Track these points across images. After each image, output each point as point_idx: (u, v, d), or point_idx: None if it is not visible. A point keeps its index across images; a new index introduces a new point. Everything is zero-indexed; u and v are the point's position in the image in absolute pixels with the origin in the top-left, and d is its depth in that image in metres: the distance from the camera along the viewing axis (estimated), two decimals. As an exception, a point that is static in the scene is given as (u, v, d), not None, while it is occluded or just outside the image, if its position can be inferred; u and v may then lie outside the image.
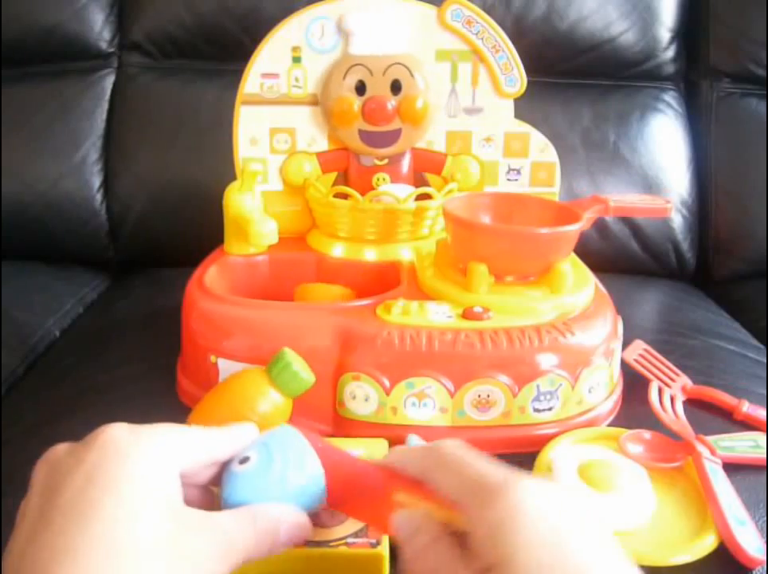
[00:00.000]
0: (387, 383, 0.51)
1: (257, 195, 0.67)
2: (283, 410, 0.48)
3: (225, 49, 0.93)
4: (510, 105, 0.69)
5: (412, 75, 0.66)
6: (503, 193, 0.65)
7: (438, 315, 0.54)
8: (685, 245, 0.94)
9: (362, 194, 0.68)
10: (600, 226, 0.92)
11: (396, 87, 0.67)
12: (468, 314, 0.54)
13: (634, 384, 0.61)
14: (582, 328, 0.54)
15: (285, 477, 0.36)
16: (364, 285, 0.66)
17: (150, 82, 0.94)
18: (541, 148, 0.70)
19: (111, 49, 0.96)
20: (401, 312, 0.54)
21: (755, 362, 0.70)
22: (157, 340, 0.69)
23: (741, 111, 0.96)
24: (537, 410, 0.52)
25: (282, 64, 0.67)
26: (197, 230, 0.91)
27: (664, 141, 0.94)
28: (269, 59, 0.67)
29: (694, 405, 0.59)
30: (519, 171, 0.71)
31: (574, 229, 0.55)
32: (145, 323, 0.75)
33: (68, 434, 0.55)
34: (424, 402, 0.52)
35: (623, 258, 0.93)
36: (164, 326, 0.70)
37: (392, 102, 0.67)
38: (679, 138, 0.95)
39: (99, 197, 0.92)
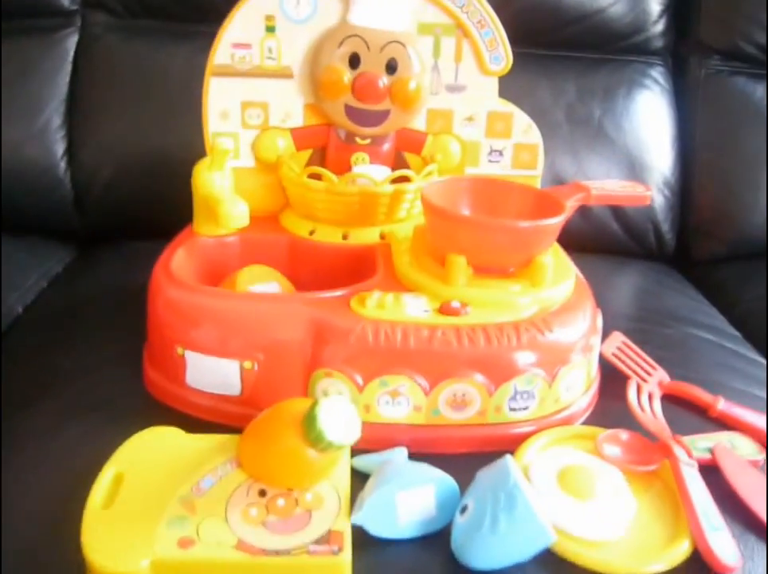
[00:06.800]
0: (360, 380, 0.50)
1: (228, 174, 0.64)
2: (325, 466, 0.44)
3: (195, 10, 0.89)
4: (494, 83, 0.66)
5: (409, 56, 0.63)
6: (484, 177, 0.63)
7: (414, 309, 0.52)
8: (665, 226, 0.93)
9: (339, 172, 0.65)
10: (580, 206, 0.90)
11: (391, 67, 0.63)
12: (445, 309, 0.52)
13: (611, 377, 0.60)
14: (561, 323, 0.53)
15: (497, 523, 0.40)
16: (338, 270, 0.64)
17: (115, 43, 0.89)
18: (524, 129, 0.67)
19: (74, 7, 0.90)
20: (375, 305, 0.52)
21: (731, 352, 0.70)
22: (123, 322, 0.66)
23: (728, 89, 0.94)
24: (513, 410, 0.51)
25: (255, 34, 0.64)
26: (166, 200, 0.88)
27: (650, 119, 0.92)
28: (241, 28, 0.63)
29: (670, 401, 0.59)
30: (501, 153, 0.68)
31: (556, 222, 0.54)
32: (110, 301, 0.72)
33: (30, 427, 0.53)
34: (397, 401, 0.50)
35: (602, 238, 0.92)
36: (130, 306, 0.67)
37: (384, 80, 0.63)
38: (664, 115, 0.93)
39: (63, 165, 0.88)
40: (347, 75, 0.63)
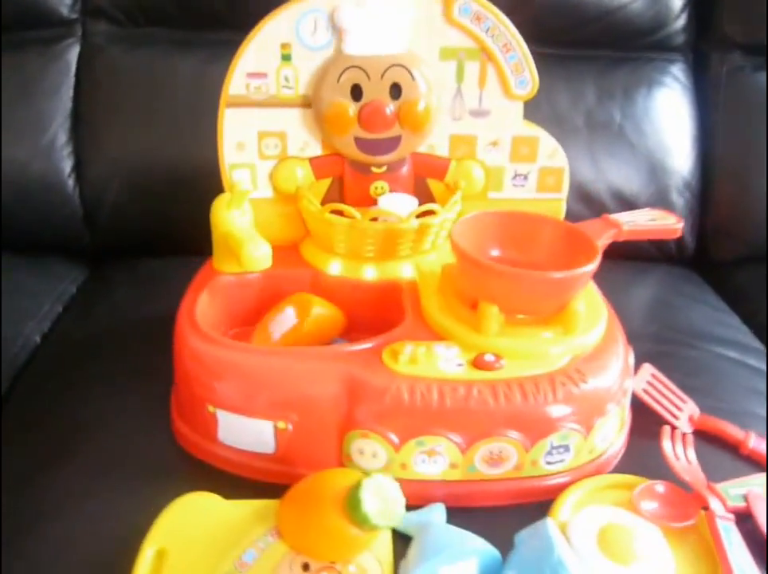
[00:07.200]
0: (396, 440, 0.50)
1: (247, 210, 0.62)
2: (368, 540, 0.44)
3: (201, 17, 0.85)
4: (519, 107, 0.64)
5: (413, 77, 0.61)
6: (513, 212, 0.61)
7: (447, 363, 0.52)
8: (686, 229, 0.91)
9: (359, 203, 0.64)
10: (598, 210, 0.89)
11: (396, 90, 0.61)
12: (479, 363, 0.51)
13: (641, 411, 0.60)
14: (595, 371, 0.52)
15: None
16: (364, 305, 0.63)
17: (119, 53, 0.85)
18: (550, 153, 0.65)
19: (74, 15, 0.86)
20: (408, 360, 0.51)
21: (756, 372, 0.70)
22: (145, 359, 0.65)
23: (751, 86, 0.90)
24: (549, 463, 0.51)
25: (270, 63, 0.61)
26: (176, 214, 0.87)
27: (670, 120, 0.89)
28: (256, 57, 0.61)
29: (702, 436, 0.59)
30: (525, 177, 0.66)
31: (591, 269, 0.52)
32: (129, 334, 0.71)
33: (57, 491, 0.53)
34: (434, 459, 0.50)
35: (622, 244, 0.90)
36: (151, 340, 0.66)
37: (390, 107, 0.61)
38: (685, 115, 0.91)
39: (71, 182, 0.86)
40: (352, 107, 0.61)
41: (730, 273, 0.91)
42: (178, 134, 0.85)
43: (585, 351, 0.54)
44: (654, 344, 0.71)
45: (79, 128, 0.85)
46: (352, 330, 0.62)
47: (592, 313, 0.56)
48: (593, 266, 0.53)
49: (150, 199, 0.87)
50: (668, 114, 0.89)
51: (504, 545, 0.46)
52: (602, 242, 0.58)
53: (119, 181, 0.86)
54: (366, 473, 0.43)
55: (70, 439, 0.57)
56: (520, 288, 0.52)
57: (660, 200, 0.90)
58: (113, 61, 0.85)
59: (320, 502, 0.44)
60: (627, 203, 0.89)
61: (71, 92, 0.85)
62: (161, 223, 0.87)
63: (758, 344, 0.76)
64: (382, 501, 0.42)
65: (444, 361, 0.52)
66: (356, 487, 0.42)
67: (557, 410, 0.50)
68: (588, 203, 0.89)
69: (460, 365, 0.51)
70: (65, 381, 0.65)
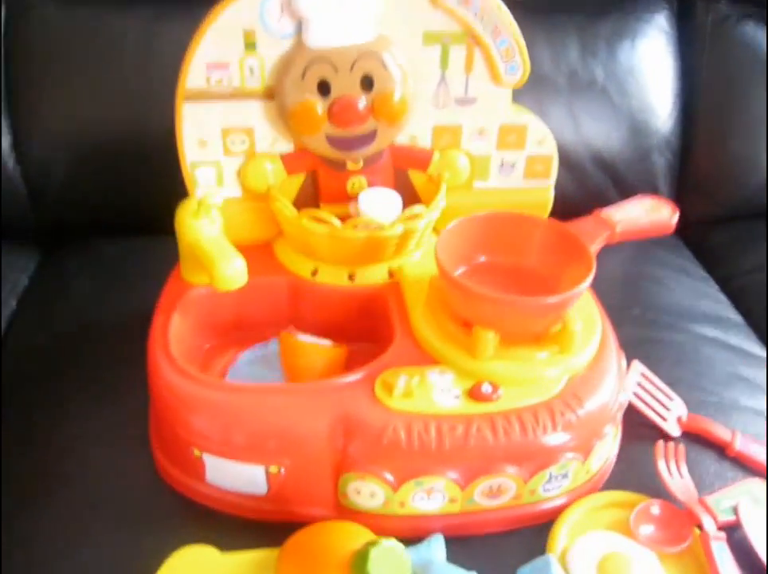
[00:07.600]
0: (394, 481, 0.48)
1: (216, 217, 0.57)
2: None
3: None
4: (507, 94, 0.59)
5: (385, 66, 0.55)
6: (498, 214, 0.57)
7: (443, 393, 0.50)
8: (665, 190, 0.89)
9: (337, 200, 0.60)
10: (577, 174, 0.86)
11: (367, 82, 0.55)
12: (476, 394, 0.49)
13: (630, 412, 0.59)
14: (591, 392, 0.51)
15: None
16: (346, 314, 0.60)
17: (53, 12, 0.74)
18: (539, 140, 0.61)
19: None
20: (402, 394, 0.49)
21: (738, 353, 0.70)
22: (115, 370, 0.62)
23: (736, 39, 0.85)
24: (547, 490, 0.51)
25: (232, 52, 0.54)
26: (129, 188, 0.82)
27: (653, 76, 0.85)
28: (216, 46, 0.54)
29: (690, 437, 0.59)
30: (513, 165, 0.62)
31: (584, 288, 0.50)
32: (95, 337, 0.67)
33: (43, 537, 0.50)
34: (433, 496, 0.49)
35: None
36: (118, 345, 0.63)
37: (363, 101, 0.55)
38: (668, 68, 0.86)
39: (11, 161, 0.77)
40: (320, 105, 0.55)
41: (707, 233, 0.90)
42: (127, 100, 0.77)
43: (581, 370, 0.52)
44: (638, 328, 0.70)
45: (13, 100, 0.76)
46: (336, 338, 0.59)
47: (586, 324, 0.54)
48: (588, 282, 0.50)
49: (101, 174, 0.80)
50: (652, 70, 0.85)
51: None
52: (595, 247, 0.56)
53: (65, 155, 0.78)
54: (373, 542, 0.41)
55: (44, 478, 0.54)
56: (514, 313, 0.50)
57: (641, 161, 0.87)
58: (47, 21, 0.74)
59: (324, 565, 0.43)
60: (607, 165, 0.86)
61: (-1, 59, 0.75)
62: (114, 200, 0.81)
63: (736, 317, 0.76)
64: (389, 566, 0.41)
65: (440, 392, 0.50)
66: (363, 559, 0.40)
67: (556, 442, 0.49)
68: (567, 166, 0.85)
69: (456, 397, 0.49)
70: (31, 403, 0.60)
